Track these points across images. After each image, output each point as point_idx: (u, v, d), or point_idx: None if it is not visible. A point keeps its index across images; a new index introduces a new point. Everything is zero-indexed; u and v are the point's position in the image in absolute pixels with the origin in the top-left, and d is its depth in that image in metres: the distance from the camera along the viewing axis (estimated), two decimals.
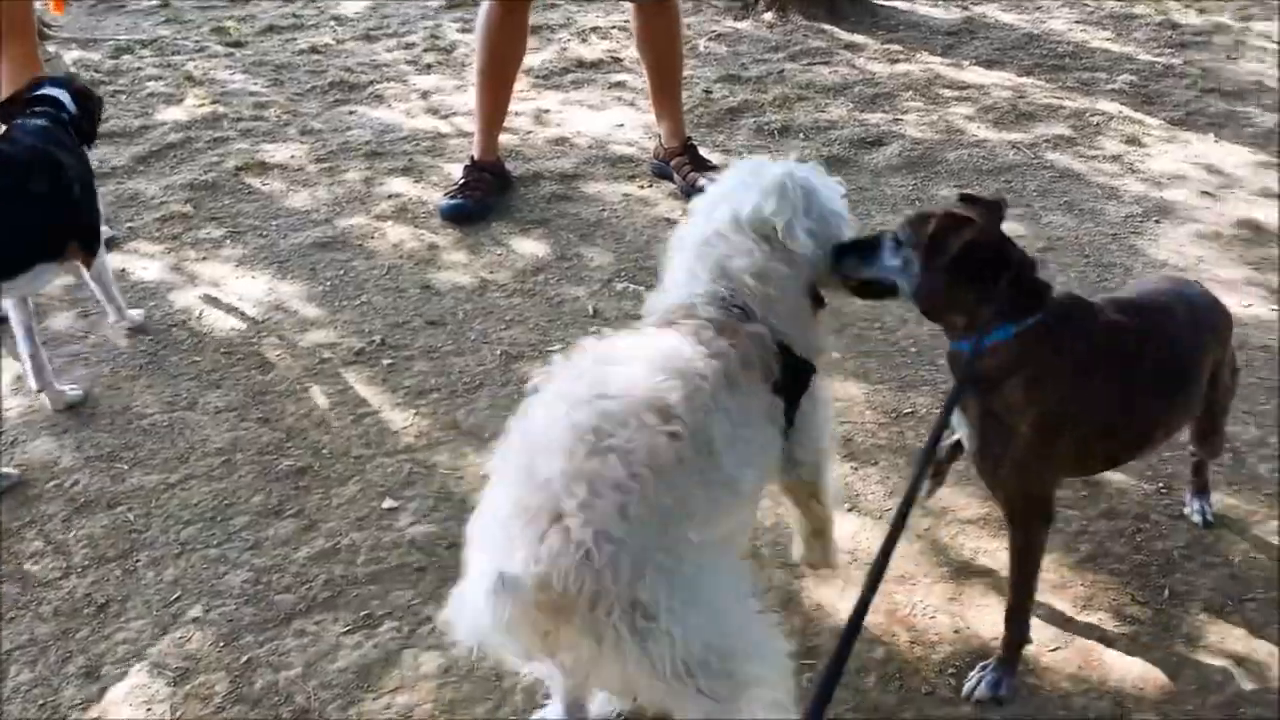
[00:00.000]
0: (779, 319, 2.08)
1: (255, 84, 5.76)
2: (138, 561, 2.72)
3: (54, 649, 2.48)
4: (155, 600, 2.60)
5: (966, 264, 2.08)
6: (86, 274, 3.43)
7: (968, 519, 2.74)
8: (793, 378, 2.08)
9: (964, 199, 2.23)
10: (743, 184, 2.16)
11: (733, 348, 1.97)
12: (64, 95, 3.37)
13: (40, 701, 2.36)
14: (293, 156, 4.89)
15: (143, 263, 4.04)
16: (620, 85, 5.72)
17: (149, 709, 2.33)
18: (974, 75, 5.75)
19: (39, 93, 3.37)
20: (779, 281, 2.08)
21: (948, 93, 5.49)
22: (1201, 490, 2.71)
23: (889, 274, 2.18)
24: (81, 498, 2.93)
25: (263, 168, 4.78)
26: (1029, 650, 2.37)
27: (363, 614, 2.54)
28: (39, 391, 3.26)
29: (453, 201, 4.35)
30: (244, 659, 2.43)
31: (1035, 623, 2.44)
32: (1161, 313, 2.28)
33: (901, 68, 5.87)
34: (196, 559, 2.72)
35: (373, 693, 2.33)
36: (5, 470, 2.98)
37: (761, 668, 1.80)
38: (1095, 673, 2.32)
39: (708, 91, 5.53)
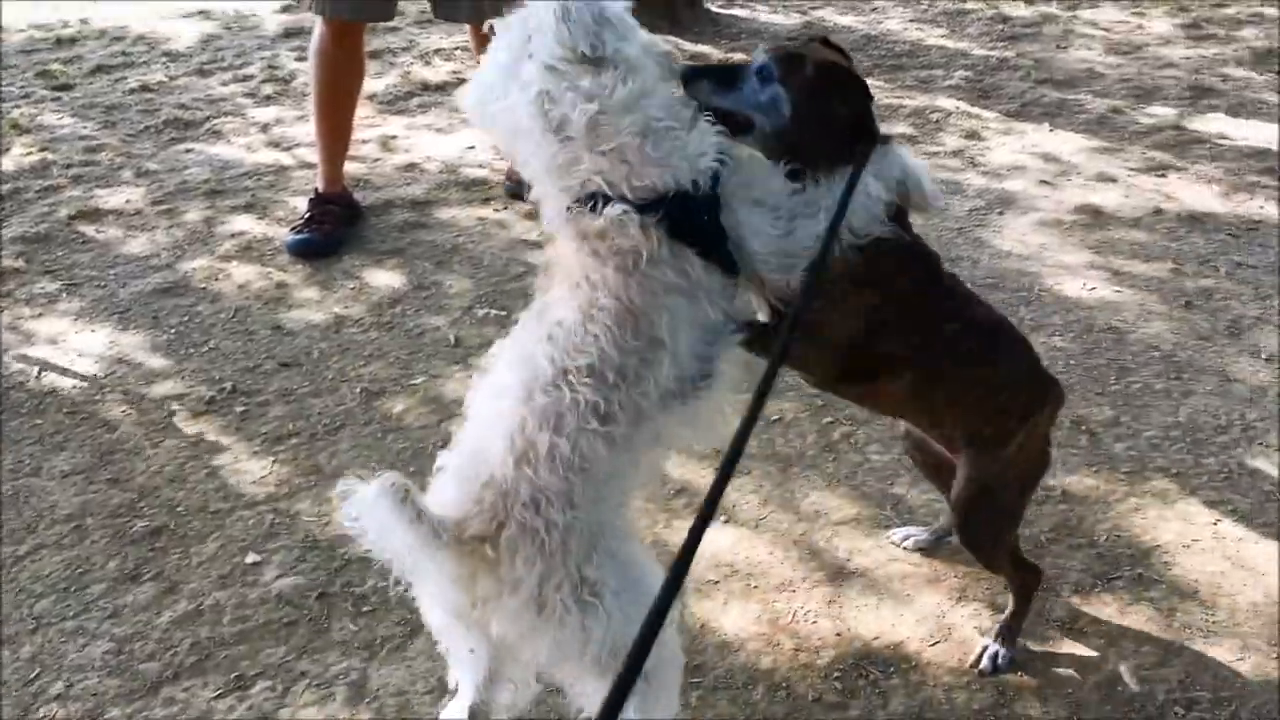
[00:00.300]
0: (640, 162, 1.79)
1: (85, 127, 5.51)
2: None
3: None
4: (14, 680, 2.46)
5: (846, 117, 1.93)
6: None
7: (840, 520, 2.77)
8: (686, 217, 1.81)
9: (825, 43, 2.07)
10: (529, 26, 1.84)
11: (609, 263, 1.79)
12: None
13: None
14: (128, 200, 4.69)
15: None
16: None
17: None
18: None
19: None
20: (624, 112, 1.80)
21: None
22: (1004, 634, 2.36)
23: (750, 109, 1.95)
24: None
25: (97, 214, 4.57)
26: (910, 647, 2.39)
27: (233, 676, 2.43)
28: None
29: (299, 236, 4.22)
30: None
31: (911, 619, 2.47)
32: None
33: None
34: (54, 633, 2.57)
35: None
36: None
37: (667, 672, 1.85)
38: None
39: None
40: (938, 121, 5.19)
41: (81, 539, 2.84)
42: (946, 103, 5.40)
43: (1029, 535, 2.67)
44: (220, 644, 2.51)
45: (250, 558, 2.75)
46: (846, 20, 6.89)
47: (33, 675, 2.47)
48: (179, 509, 2.93)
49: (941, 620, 2.48)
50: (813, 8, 7.18)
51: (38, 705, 2.39)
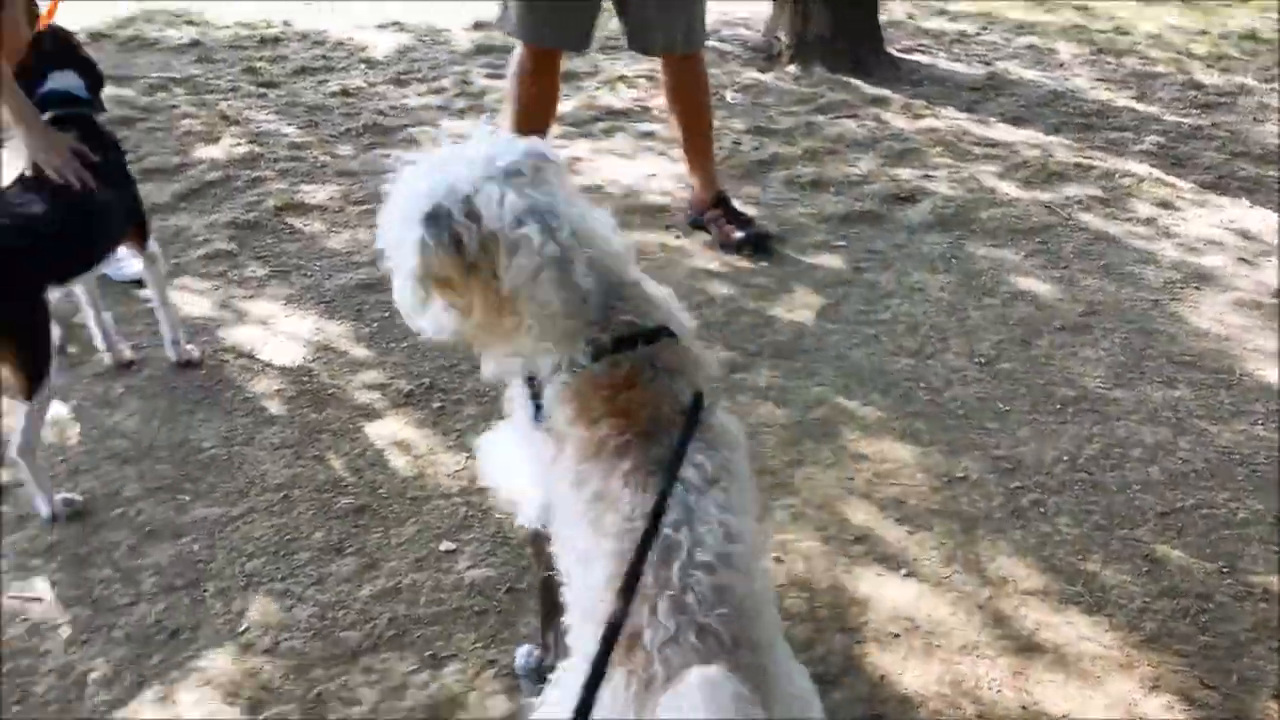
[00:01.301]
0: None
1: (289, 125, 5.79)
2: (205, 592, 2.73)
3: (129, 673, 2.52)
4: (225, 630, 2.62)
5: None
6: (142, 259, 3.50)
7: (1028, 590, 2.74)
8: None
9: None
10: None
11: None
12: (75, 83, 3.31)
13: None
14: (331, 198, 4.91)
15: (191, 299, 4.05)
16: (650, 135, 5.76)
17: None
18: (1001, 132, 5.81)
19: (51, 88, 3.27)
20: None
21: (976, 149, 5.55)
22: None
23: None
24: (147, 527, 2.94)
25: (303, 208, 4.80)
26: None
27: (428, 654, 2.55)
28: (106, 351, 3.65)
29: None
30: (315, 692, 2.45)
31: (1101, 703, 2.43)
32: None
33: (927, 123, 5.93)
34: (263, 592, 2.73)
35: None
36: (70, 496, 3.00)
37: None
38: None
39: (737, 143, 5.58)
40: (1128, 187, 5.11)
41: (290, 509, 3.00)
42: (1138, 168, 5.32)
43: (1226, 631, 2.62)
44: (416, 622, 2.64)
45: (445, 545, 2.87)
46: (1031, 74, 6.83)
47: (243, 629, 2.62)
48: (380, 491, 3.07)
49: (1133, 708, 2.42)
50: (996, 59, 7.14)
51: (247, 656, 2.54)
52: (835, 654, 2.54)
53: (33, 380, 2.87)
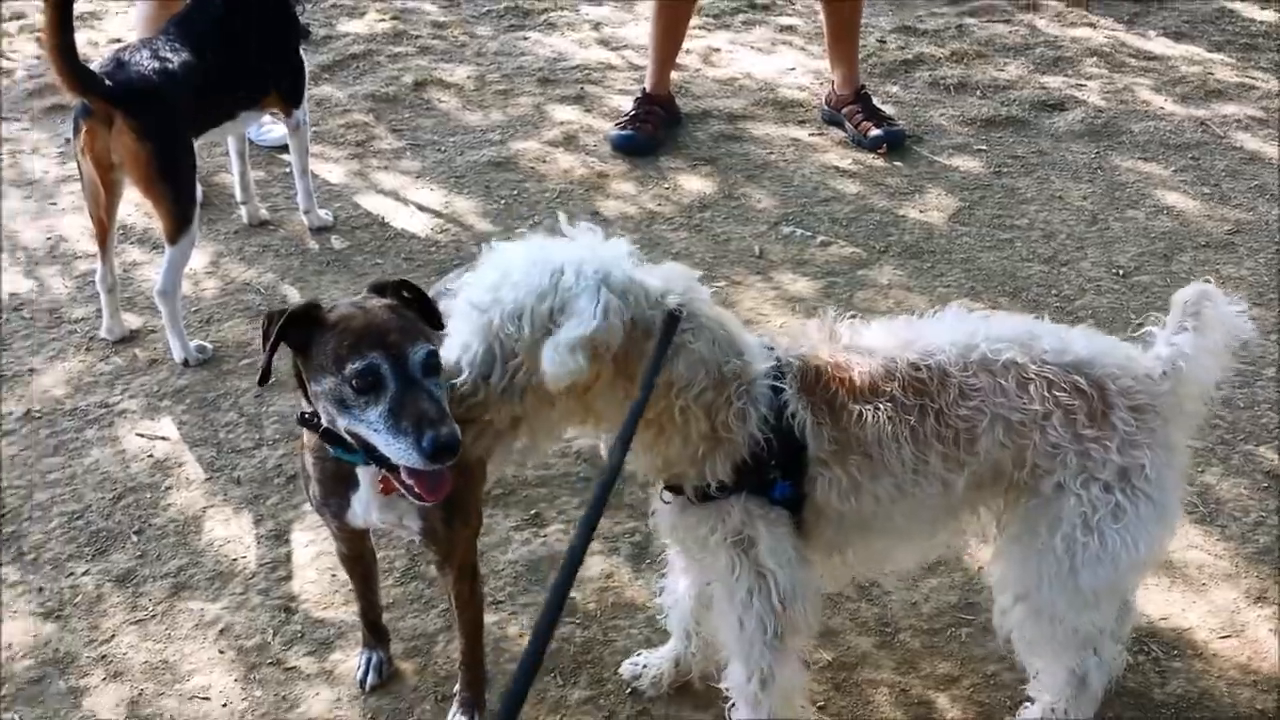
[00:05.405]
0: None
1: (431, 4, 5.84)
2: None
3: (247, 511, 2.66)
4: None
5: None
6: (285, 123, 3.61)
7: None
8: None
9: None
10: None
11: None
12: None
13: (233, 557, 2.54)
14: (468, 77, 4.97)
15: (328, 166, 4.18)
16: (790, 29, 5.66)
17: (334, 574, 2.47)
18: (1160, 46, 5.54)
19: None
20: None
21: (1132, 62, 5.31)
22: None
23: None
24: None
25: (440, 85, 4.87)
26: (1198, 635, 2.32)
27: (531, 513, 2.65)
28: (242, 204, 3.79)
29: (623, 133, 4.38)
30: None
31: (1203, 609, 2.40)
32: None
33: (1084, 33, 5.68)
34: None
35: (540, 585, 2.46)
36: (202, 344, 3.16)
37: None
38: (1264, 666, 2.28)
39: (882, 41, 5.44)
40: None
41: None
42: None
43: None
44: (523, 483, 2.74)
45: None
46: None
47: None
48: None
49: (1235, 616, 2.39)
50: None
51: None
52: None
53: (178, 225, 3.00)
